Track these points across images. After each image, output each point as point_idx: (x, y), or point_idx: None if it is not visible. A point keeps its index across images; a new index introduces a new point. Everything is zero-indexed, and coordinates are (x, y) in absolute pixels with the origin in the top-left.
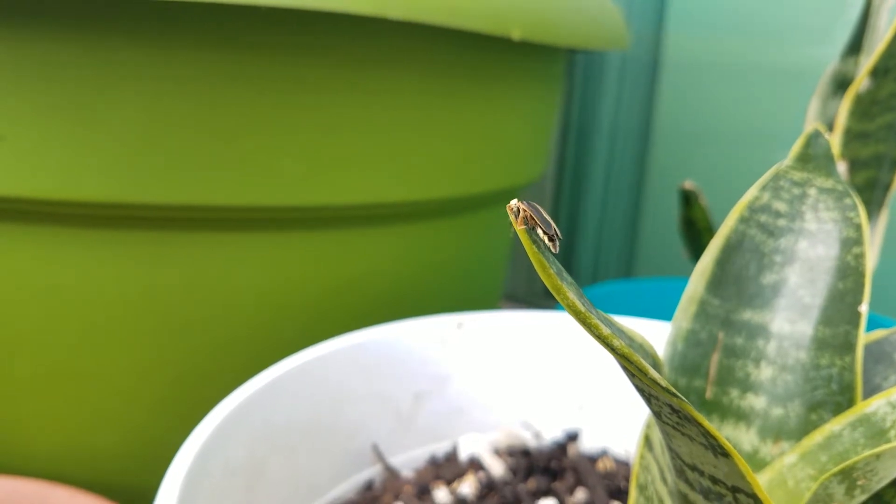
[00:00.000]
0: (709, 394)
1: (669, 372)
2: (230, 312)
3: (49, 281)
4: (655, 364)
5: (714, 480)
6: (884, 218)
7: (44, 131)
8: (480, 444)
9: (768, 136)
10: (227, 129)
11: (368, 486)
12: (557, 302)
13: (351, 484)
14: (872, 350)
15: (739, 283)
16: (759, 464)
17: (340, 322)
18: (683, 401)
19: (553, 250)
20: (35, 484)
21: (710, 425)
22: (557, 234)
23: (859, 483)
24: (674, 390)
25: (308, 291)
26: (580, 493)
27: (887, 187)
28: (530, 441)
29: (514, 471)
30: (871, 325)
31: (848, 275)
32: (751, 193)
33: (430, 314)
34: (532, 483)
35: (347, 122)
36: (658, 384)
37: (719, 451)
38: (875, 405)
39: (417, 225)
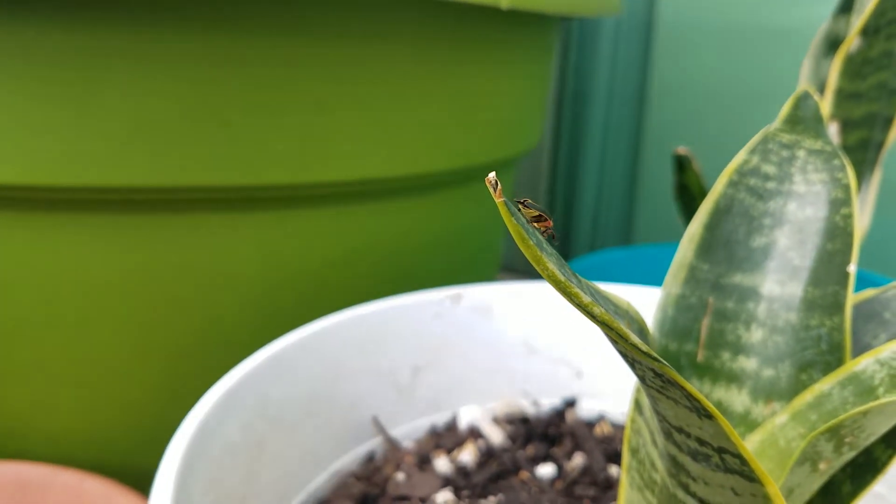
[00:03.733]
0: (700, 357)
1: (660, 336)
2: (225, 292)
3: (45, 267)
4: (641, 329)
5: (701, 442)
6: (877, 177)
7: (34, 117)
8: (479, 414)
9: (763, 96)
10: (217, 109)
11: (370, 458)
12: None
13: (352, 456)
14: (862, 309)
15: (729, 247)
16: (751, 424)
17: (337, 298)
18: (665, 364)
19: (548, 232)
20: (41, 468)
21: (693, 387)
22: (547, 214)
23: (847, 440)
24: (654, 354)
25: (303, 269)
26: (578, 458)
27: (880, 146)
28: (528, 409)
29: (513, 438)
30: (864, 284)
31: (836, 236)
32: (740, 157)
33: (428, 288)
34: (531, 449)
35: (338, 98)
36: (639, 349)
37: (703, 412)
38: (864, 364)
39: (412, 199)
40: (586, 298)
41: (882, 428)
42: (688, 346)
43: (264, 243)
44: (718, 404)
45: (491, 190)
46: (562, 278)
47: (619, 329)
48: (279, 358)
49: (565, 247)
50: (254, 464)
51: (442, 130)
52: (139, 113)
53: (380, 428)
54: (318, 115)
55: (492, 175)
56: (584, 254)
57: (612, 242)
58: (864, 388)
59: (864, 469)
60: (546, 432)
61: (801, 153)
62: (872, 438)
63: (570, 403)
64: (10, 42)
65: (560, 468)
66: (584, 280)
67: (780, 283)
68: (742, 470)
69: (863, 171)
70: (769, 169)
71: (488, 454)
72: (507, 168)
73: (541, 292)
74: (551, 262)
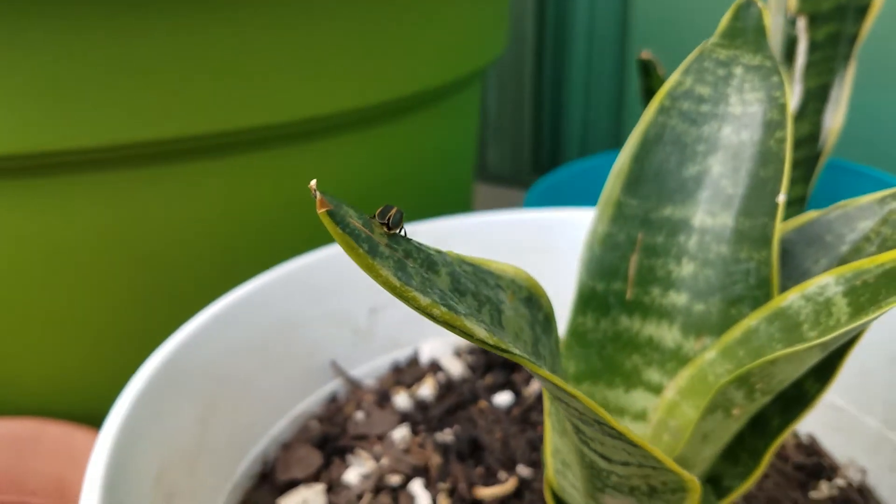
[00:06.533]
0: (629, 295)
1: (587, 278)
2: (186, 242)
3: (16, 231)
4: (531, 296)
5: (580, 413)
6: (851, 72)
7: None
8: (440, 348)
9: None
10: (138, 61)
11: (332, 399)
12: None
13: (316, 398)
14: (805, 232)
15: (659, 178)
16: (682, 359)
17: (303, 240)
18: (514, 353)
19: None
20: (29, 422)
21: (541, 369)
22: (390, 221)
23: (758, 387)
24: (504, 345)
25: (263, 213)
26: (536, 384)
27: (853, 40)
28: None
29: (473, 368)
30: (843, 173)
31: (770, 161)
32: (672, 79)
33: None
34: (489, 379)
35: (270, 38)
36: (486, 342)
37: (568, 394)
38: (790, 300)
39: (374, 130)
40: (424, 301)
41: (793, 374)
42: (616, 285)
43: (223, 189)
44: (649, 341)
45: (316, 200)
46: (397, 283)
47: (462, 326)
48: (225, 315)
49: (555, 153)
50: (207, 420)
51: (386, 57)
52: (59, 74)
53: (338, 370)
54: (258, 56)
55: (313, 183)
56: (575, 159)
57: (602, 146)
58: (790, 324)
59: (793, 402)
60: (505, 360)
61: (738, 70)
62: (787, 383)
63: None
64: None
65: (518, 395)
66: (455, 256)
67: (711, 213)
68: (623, 438)
69: (834, 68)
70: (704, 90)
71: (447, 387)
72: (472, 83)
73: (490, 224)
74: (385, 268)
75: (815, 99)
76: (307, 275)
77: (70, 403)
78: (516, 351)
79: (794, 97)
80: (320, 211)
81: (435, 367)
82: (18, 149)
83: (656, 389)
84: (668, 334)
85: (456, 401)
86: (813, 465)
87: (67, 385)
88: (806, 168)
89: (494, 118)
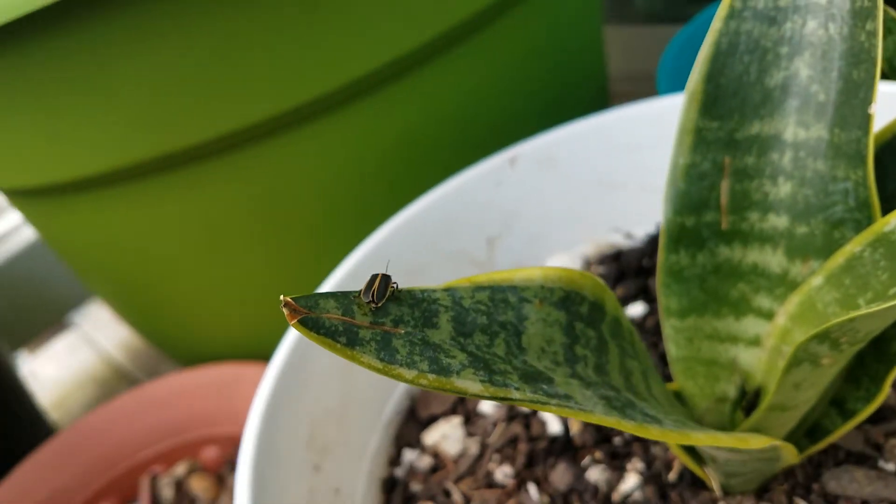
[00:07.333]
0: (724, 224)
1: (674, 215)
2: (312, 200)
3: (186, 213)
4: (567, 294)
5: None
6: None
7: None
8: (567, 262)
9: None
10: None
11: None
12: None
13: None
14: (894, 146)
15: (740, 93)
16: (790, 285)
17: (417, 179)
18: (515, 399)
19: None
20: (228, 367)
21: (546, 406)
22: (374, 300)
23: (843, 340)
24: (502, 394)
25: (384, 157)
26: None
27: None
28: (622, 243)
29: (604, 278)
30: None
31: (861, 61)
32: None
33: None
34: (621, 290)
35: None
36: (482, 396)
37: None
38: (893, 224)
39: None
40: (409, 374)
41: (878, 327)
42: (707, 217)
43: (346, 138)
44: (754, 267)
45: (285, 312)
46: (380, 366)
47: (454, 389)
48: (353, 273)
49: None
50: (352, 366)
51: None
52: (154, 88)
53: None
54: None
55: (283, 297)
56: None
57: None
58: (894, 251)
59: None
60: (640, 266)
61: None
62: (873, 335)
63: None
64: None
65: (652, 303)
66: (469, 286)
67: (804, 125)
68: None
69: None
70: None
71: None
72: None
73: (606, 126)
74: (366, 355)
75: None
76: (418, 223)
77: (262, 347)
78: (517, 396)
79: None
80: (291, 322)
81: None
82: (183, 143)
83: (767, 315)
84: (773, 259)
85: None
86: None
87: (253, 332)
88: None
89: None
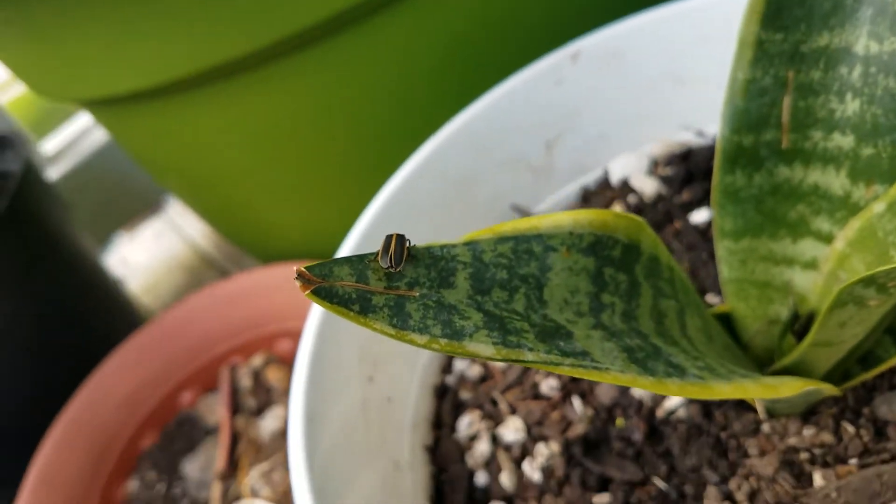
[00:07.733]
0: (785, 143)
1: (731, 133)
2: (363, 107)
3: (244, 122)
4: (597, 239)
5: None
6: None
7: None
8: (633, 163)
9: None
10: None
11: None
12: None
13: None
14: None
15: (807, 1)
16: (852, 208)
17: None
18: (527, 361)
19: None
20: (303, 264)
21: (560, 367)
22: (392, 264)
23: (890, 285)
24: (515, 355)
25: (407, 75)
26: None
27: None
28: (693, 141)
29: (670, 181)
30: None
31: None
32: None
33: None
34: (687, 194)
35: None
36: (494, 359)
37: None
38: None
39: None
40: (422, 339)
41: None
42: (767, 135)
43: (379, 55)
44: (815, 188)
45: (298, 285)
46: (392, 331)
47: (465, 353)
48: (406, 185)
49: None
50: None
51: None
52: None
53: (521, 211)
54: None
55: (297, 269)
56: None
57: None
58: None
59: None
60: (710, 166)
61: None
62: None
63: None
64: None
65: None
66: (492, 237)
67: (877, 37)
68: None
69: None
70: None
71: (638, 210)
72: None
73: (679, 16)
74: (378, 321)
75: None
76: (472, 128)
77: (334, 247)
78: (531, 358)
79: None
80: (305, 293)
81: (626, 188)
82: (248, 47)
83: (826, 239)
84: (836, 181)
85: (649, 222)
86: None
87: (324, 232)
88: None
89: None
